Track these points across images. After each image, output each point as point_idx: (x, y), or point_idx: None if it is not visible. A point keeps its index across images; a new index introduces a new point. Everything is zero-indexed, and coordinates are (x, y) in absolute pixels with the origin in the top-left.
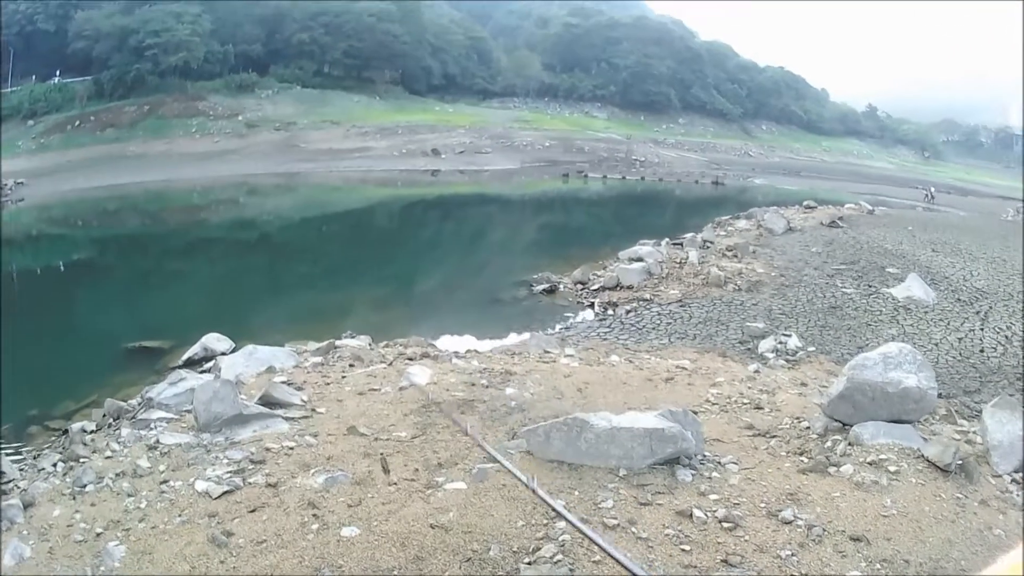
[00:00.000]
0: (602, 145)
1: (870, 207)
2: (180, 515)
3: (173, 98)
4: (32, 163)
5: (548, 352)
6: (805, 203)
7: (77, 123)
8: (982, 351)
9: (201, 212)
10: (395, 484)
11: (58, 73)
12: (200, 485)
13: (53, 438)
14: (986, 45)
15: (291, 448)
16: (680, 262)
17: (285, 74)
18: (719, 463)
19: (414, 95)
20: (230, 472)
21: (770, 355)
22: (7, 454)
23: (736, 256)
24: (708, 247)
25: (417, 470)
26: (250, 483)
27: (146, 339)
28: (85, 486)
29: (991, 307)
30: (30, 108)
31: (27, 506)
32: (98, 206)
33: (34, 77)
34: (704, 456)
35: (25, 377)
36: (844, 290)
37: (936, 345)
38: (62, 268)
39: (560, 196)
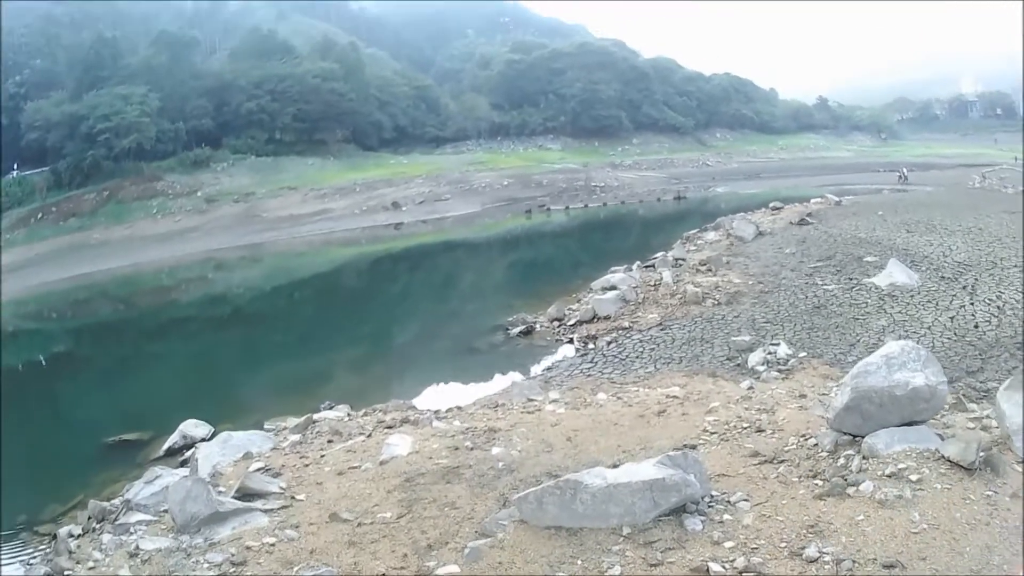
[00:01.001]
0: (560, 176)
1: (836, 198)
2: None
3: (130, 181)
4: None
5: (532, 400)
6: (771, 205)
7: (39, 215)
8: (976, 327)
9: (171, 292)
10: (383, 575)
11: (15, 166)
12: None
13: (43, 546)
14: (929, 20)
15: (272, 544)
16: (655, 284)
17: (238, 144)
18: (729, 502)
19: (367, 151)
20: None
21: (761, 368)
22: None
23: (710, 270)
24: (680, 264)
25: (406, 555)
26: None
27: (127, 431)
28: None
29: (976, 279)
30: None
31: None
32: (68, 297)
33: None
34: (712, 497)
35: (12, 479)
36: (826, 287)
37: (929, 328)
38: (42, 362)
39: (525, 233)
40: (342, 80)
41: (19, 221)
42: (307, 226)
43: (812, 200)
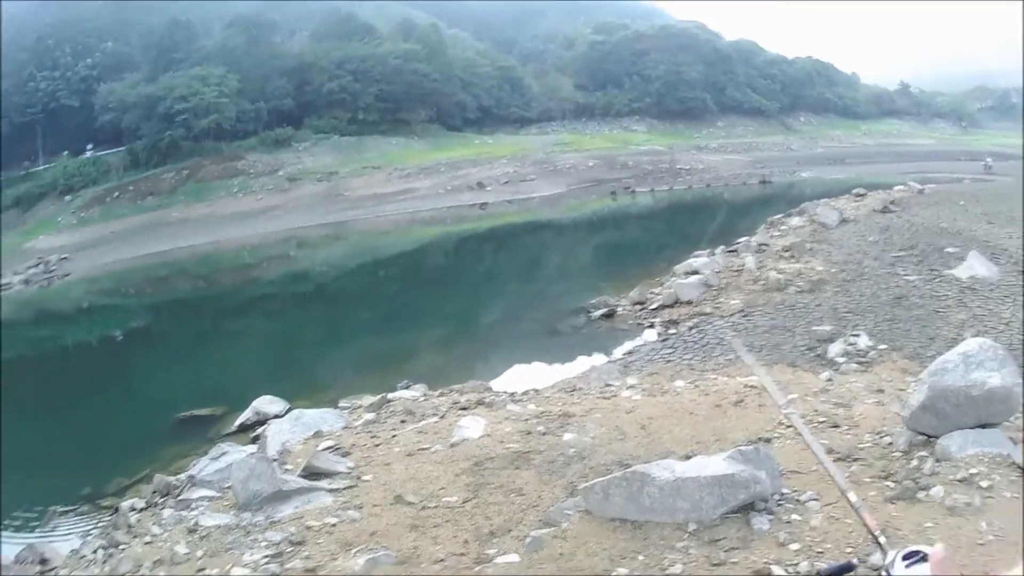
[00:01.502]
0: (645, 158)
1: (919, 186)
2: None
3: (210, 160)
4: (74, 237)
5: (609, 385)
6: (855, 191)
7: (116, 194)
8: None
9: (252, 270)
10: (442, 561)
11: (90, 147)
12: (236, 572)
13: (104, 518)
14: (1010, 9)
15: (333, 525)
16: (737, 270)
17: (320, 125)
18: (798, 501)
19: (452, 131)
20: (268, 557)
21: (841, 359)
22: (59, 535)
23: (793, 256)
24: (764, 250)
25: (467, 541)
26: (287, 569)
27: (199, 406)
28: None
29: None
30: (65, 183)
31: None
32: (147, 274)
33: (66, 153)
34: (781, 495)
35: (80, 452)
36: (907, 278)
37: (1007, 325)
38: (118, 338)
39: (610, 214)
40: (425, 61)
41: (94, 200)
42: (391, 205)
43: (895, 188)
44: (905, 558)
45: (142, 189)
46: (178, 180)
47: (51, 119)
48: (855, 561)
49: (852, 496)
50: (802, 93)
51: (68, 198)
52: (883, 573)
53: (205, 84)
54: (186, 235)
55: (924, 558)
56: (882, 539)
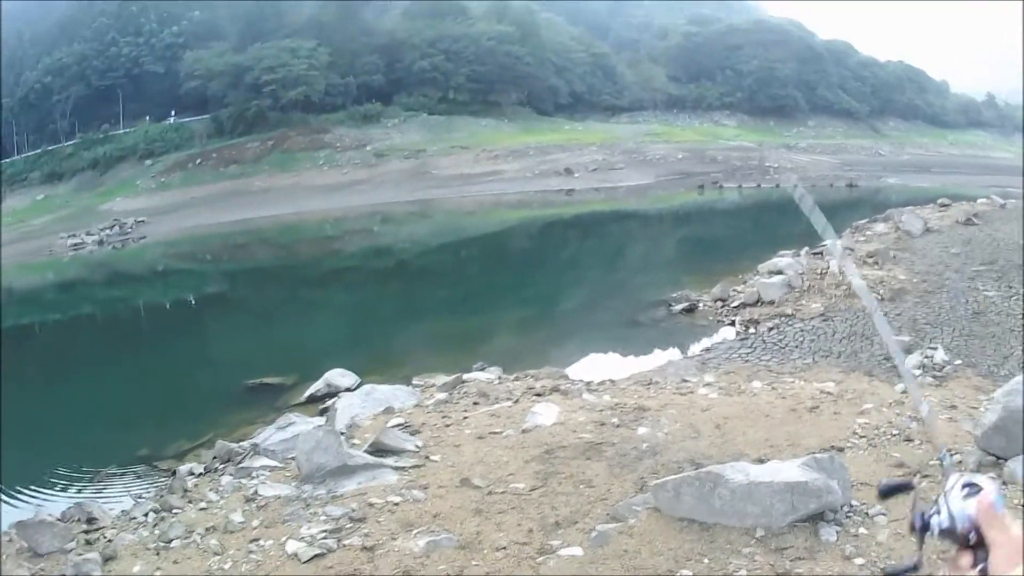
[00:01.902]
0: (734, 154)
1: (1002, 201)
2: None
3: (297, 132)
4: (152, 201)
5: (686, 381)
6: (939, 201)
7: (198, 161)
8: None
9: (334, 243)
10: (504, 549)
11: (173, 113)
12: (291, 546)
13: (160, 481)
14: None
15: (396, 504)
16: (821, 272)
17: (410, 102)
18: (867, 514)
19: (542, 115)
20: (326, 532)
21: (917, 372)
22: (112, 496)
23: (877, 263)
24: (848, 254)
25: (531, 530)
26: (345, 545)
27: (271, 374)
28: (171, 541)
29: None
30: (146, 148)
31: (107, 560)
32: (226, 240)
33: (148, 118)
34: (851, 506)
35: (143, 413)
36: (986, 293)
37: None
38: (192, 302)
39: (697, 208)
40: (518, 43)
41: (175, 165)
42: (477, 186)
43: (978, 200)
44: (965, 487)
45: (225, 157)
46: (263, 150)
47: (133, 84)
48: (919, 559)
49: (924, 407)
50: (892, 97)
51: (148, 162)
52: (941, 494)
53: (295, 56)
54: (268, 204)
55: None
56: (948, 456)
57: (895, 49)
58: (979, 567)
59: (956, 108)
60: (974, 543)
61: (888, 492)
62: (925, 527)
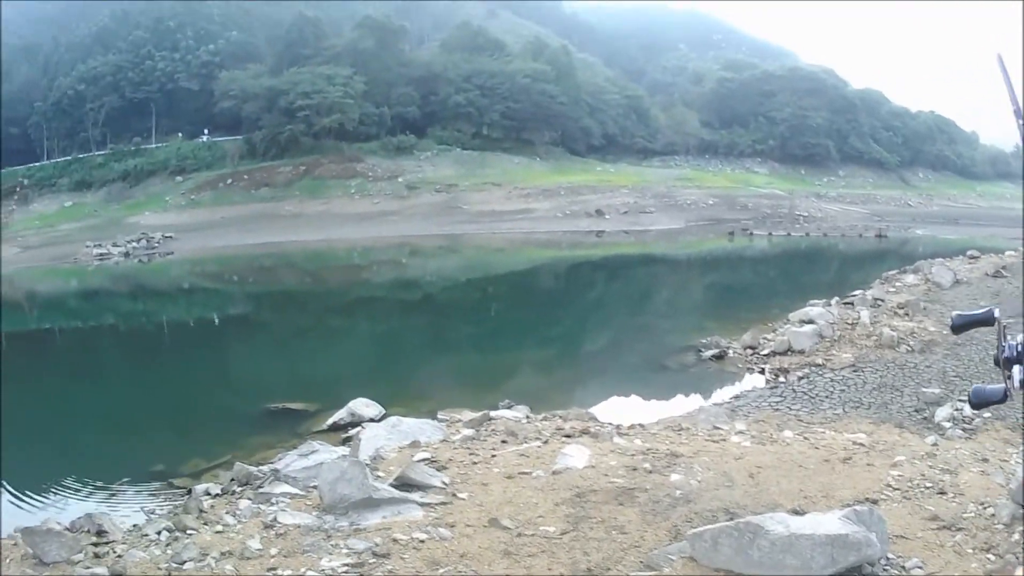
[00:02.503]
0: (765, 201)
1: None
2: None
3: (330, 159)
4: (181, 218)
5: (718, 428)
6: (968, 253)
7: (229, 181)
8: None
9: (362, 272)
10: None
11: (206, 131)
12: None
13: (175, 499)
14: None
15: (421, 541)
16: (852, 323)
17: (443, 136)
18: (903, 567)
19: (574, 155)
20: (347, 565)
21: (947, 424)
22: (123, 510)
23: (907, 314)
24: (879, 305)
25: (562, 575)
26: None
27: (292, 399)
28: (184, 563)
29: None
30: (178, 164)
31: None
32: (254, 262)
33: (180, 134)
34: (887, 559)
35: (160, 428)
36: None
37: None
38: (216, 321)
39: (726, 255)
40: (553, 82)
41: (206, 184)
42: (508, 223)
43: (1006, 252)
44: None
45: (257, 179)
46: (295, 174)
47: (167, 99)
48: (996, 313)
49: None
50: (922, 148)
51: (179, 179)
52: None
53: (331, 83)
54: (298, 229)
55: None
56: None
57: (926, 98)
58: None
59: (985, 159)
60: None
61: (964, 326)
62: (1013, 360)
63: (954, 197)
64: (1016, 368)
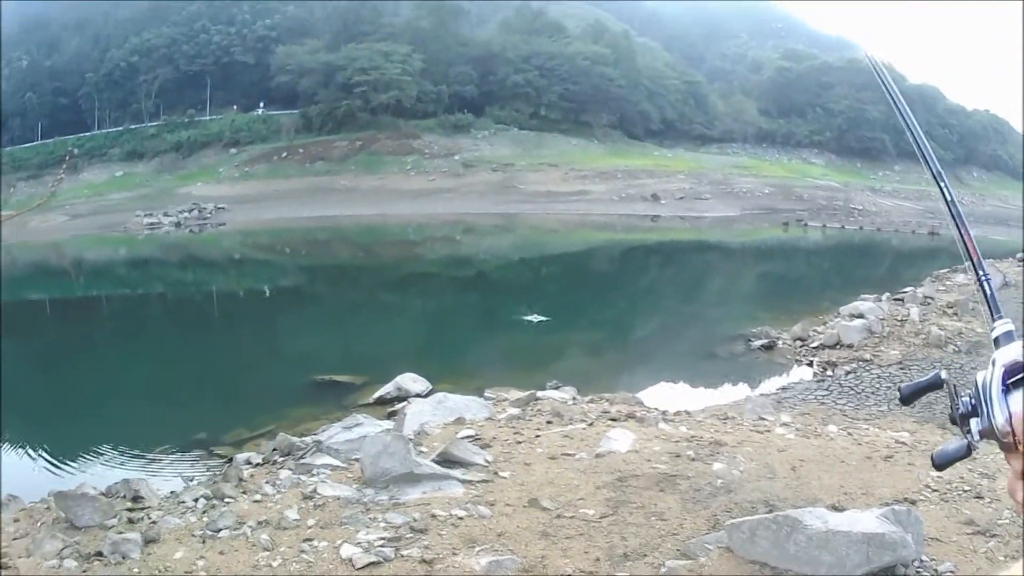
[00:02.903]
0: (820, 193)
1: None
2: None
3: (386, 135)
4: (234, 190)
5: (763, 419)
6: (1018, 256)
7: (284, 154)
8: None
9: (415, 248)
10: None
11: (262, 105)
12: (346, 550)
13: (215, 467)
14: None
15: (460, 518)
16: (901, 320)
17: (501, 115)
18: (935, 571)
19: (632, 139)
20: (384, 539)
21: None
22: (162, 476)
23: (956, 314)
24: (928, 303)
25: (598, 559)
26: (403, 556)
27: (340, 372)
28: (220, 531)
29: None
30: (232, 137)
31: (148, 542)
32: (307, 236)
33: (235, 107)
34: (921, 562)
35: (205, 396)
36: None
37: None
38: (266, 293)
39: (780, 245)
40: (612, 66)
41: (260, 156)
42: (563, 204)
43: None
44: (1007, 375)
45: (312, 153)
46: (350, 150)
47: (222, 72)
48: (943, 375)
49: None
50: (976, 147)
51: (233, 151)
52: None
53: (388, 60)
54: (352, 204)
55: None
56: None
57: (981, 97)
58: None
59: None
60: None
61: (913, 395)
62: (968, 415)
63: (1006, 198)
64: (973, 421)
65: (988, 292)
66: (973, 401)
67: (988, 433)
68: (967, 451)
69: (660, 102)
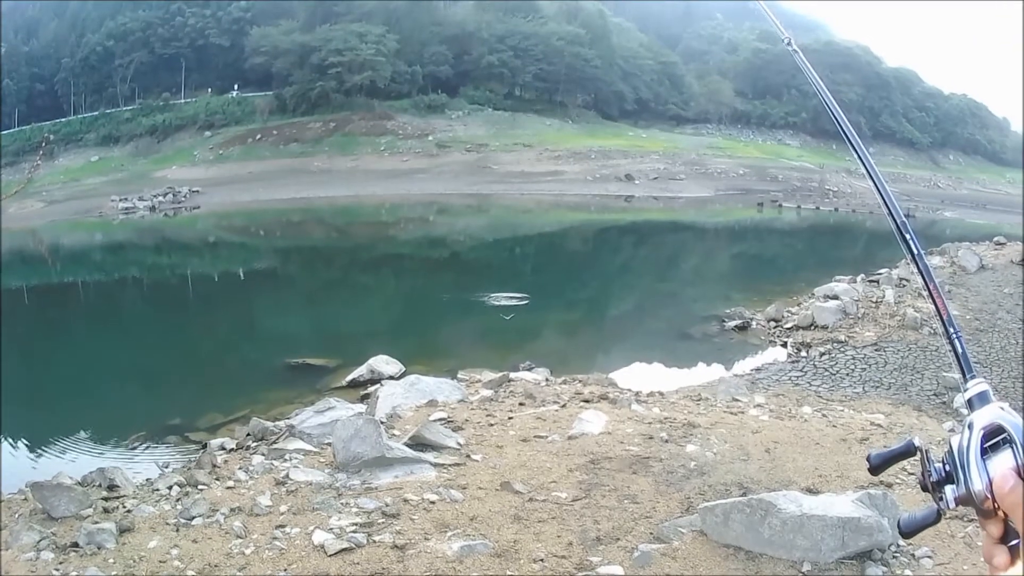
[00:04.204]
0: (795, 174)
1: None
2: (285, 571)
3: (360, 116)
4: (209, 172)
5: (737, 400)
6: (995, 239)
7: (258, 136)
8: None
9: (389, 229)
10: (541, 560)
11: (236, 86)
12: (318, 536)
13: (190, 453)
14: None
15: (432, 502)
16: (876, 301)
17: (475, 95)
18: (913, 556)
19: (607, 119)
20: (356, 525)
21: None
22: (137, 463)
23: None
24: (904, 285)
25: (571, 543)
26: (375, 541)
27: (313, 355)
28: (193, 518)
29: None
30: (206, 119)
31: (123, 531)
32: (281, 217)
33: (210, 90)
34: (898, 546)
35: (179, 381)
36: None
37: None
38: (240, 276)
39: (755, 226)
40: (587, 46)
41: (235, 138)
42: (537, 185)
43: None
44: (984, 440)
45: (286, 135)
46: (324, 131)
47: (197, 55)
48: (916, 442)
49: None
50: (954, 131)
51: (207, 133)
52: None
53: (363, 40)
54: (326, 185)
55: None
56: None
57: (959, 81)
58: (1013, 542)
59: (1016, 146)
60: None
61: (883, 464)
62: (943, 482)
63: (983, 182)
64: (949, 488)
65: (959, 350)
66: (947, 467)
67: (965, 500)
68: (936, 518)
69: (635, 82)
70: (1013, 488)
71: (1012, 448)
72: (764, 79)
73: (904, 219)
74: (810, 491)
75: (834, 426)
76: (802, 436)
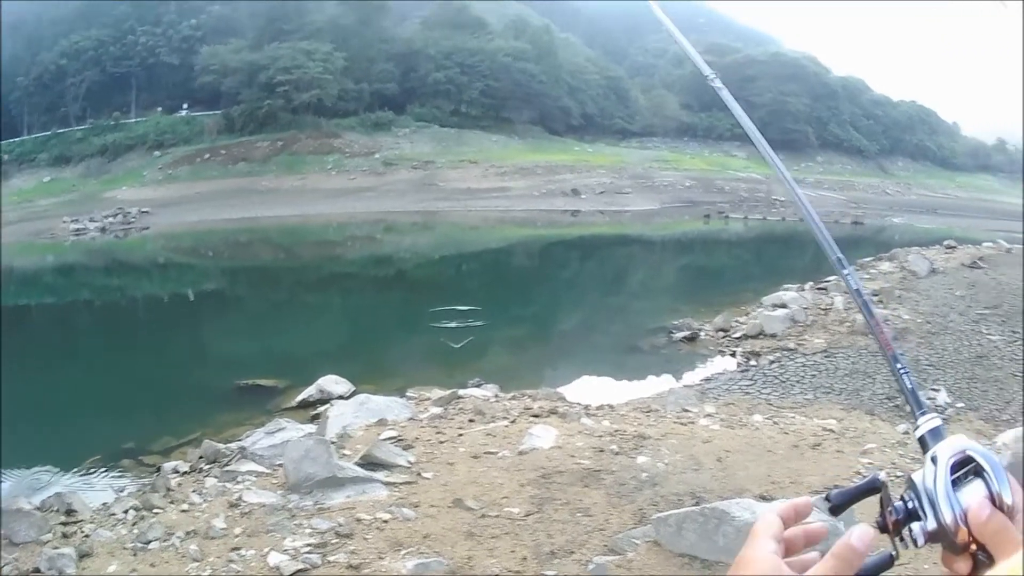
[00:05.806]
0: (742, 185)
1: (1008, 246)
2: None
3: (307, 134)
4: (158, 192)
5: (687, 410)
6: (945, 243)
7: (206, 156)
8: None
9: (336, 248)
10: None
11: (185, 106)
12: (273, 558)
13: (145, 476)
14: None
15: (385, 521)
16: (825, 308)
17: (422, 113)
18: None
19: (553, 135)
20: (310, 545)
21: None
22: (94, 487)
23: (881, 301)
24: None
25: (525, 558)
26: (329, 561)
27: (263, 376)
28: (150, 542)
29: None
30: (156, 139)
31: (82, 556)
32: (229, 238)
33: (159, 109)
34: None
35: (131, 405)
36: (989, 337)
37: None
38: (190, 297)
39: (701, 237)
40: (534, 61)
41: (184, 158)
42: (483, 201)
43: (984, 244)
44: (954, 471)
45: (234, 154)
46: (272, 150)
47: (148, 73)
48: (893, 553)
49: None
50: (902, 137)
51: (157, 153)
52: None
53: (311, 59)
54: (274, 205)
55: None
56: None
57: (908, 88)
58: None
59: (966, 151)
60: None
61: (845, 504)
62: (903, 521)
63: (933, 187)
64: (916, 525)
65: (909, 386)
66: (911, 504)
67: (935, 535)
68: (890, 562)
69: (581, 97)
70: (991, 516)
71: (984, 478)
72: (710, 92)
73: (841, 255)
74: (764, 498)
75: (786, 433)
76: (754, 444)
